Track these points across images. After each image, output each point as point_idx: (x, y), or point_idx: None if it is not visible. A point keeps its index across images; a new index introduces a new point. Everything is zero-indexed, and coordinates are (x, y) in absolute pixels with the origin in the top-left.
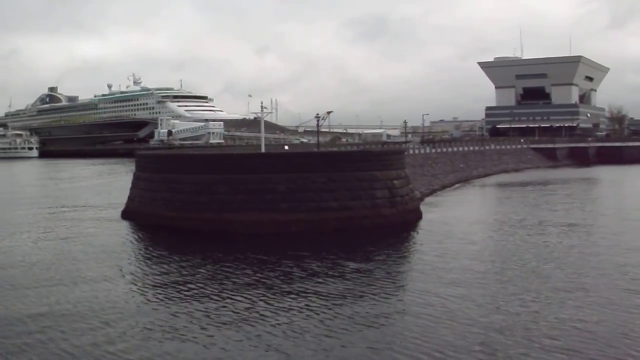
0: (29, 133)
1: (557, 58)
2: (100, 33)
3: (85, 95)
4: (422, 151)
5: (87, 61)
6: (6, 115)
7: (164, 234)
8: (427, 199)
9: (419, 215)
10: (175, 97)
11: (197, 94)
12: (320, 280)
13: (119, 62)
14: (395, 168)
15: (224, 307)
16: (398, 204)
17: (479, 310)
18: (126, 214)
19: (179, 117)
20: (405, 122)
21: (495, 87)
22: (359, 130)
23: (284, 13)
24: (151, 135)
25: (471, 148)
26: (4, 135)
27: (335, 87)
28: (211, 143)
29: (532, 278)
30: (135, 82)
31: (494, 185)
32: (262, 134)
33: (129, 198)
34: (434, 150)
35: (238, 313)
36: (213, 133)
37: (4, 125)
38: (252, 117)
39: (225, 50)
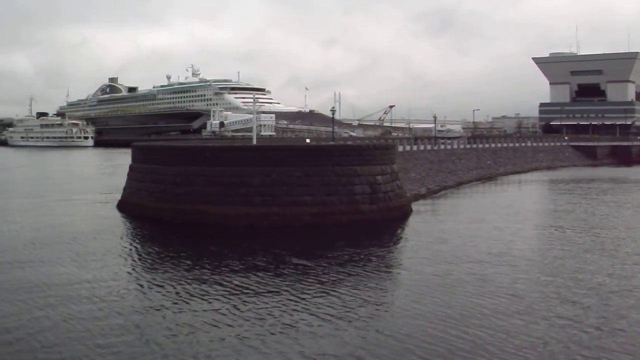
0: (85, 122)
1: (614, 54)
2: (166, 24)
3: (145, 86)
4: (447, 147)
5: (153, 52)
6: (68, 104)
7: (145, 224)
8: (431, 197)
9: (405, 213)
10: (233, 88)
11: (255, 86)
12: (247, 275)
13: (183, 54)
14: (379, 163)
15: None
16: (380, 200)
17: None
18: (120, 205)
19: (235, 108)
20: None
21: (550, 84)
22: (423, 125)
23: (350, 5)
24: (204, 126)
25: (505, 145)
26: (60, 125)
27: (400, 81)
28: (262, 135)
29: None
30: (194, 74)
31: (514, 183)
32: (254, 127)
33: (123, 189)
34: (462, 147)
35: (193, 312)
36: (264, 125)
37: (62, 115)
38: (307, 110)
39: (291, 42)
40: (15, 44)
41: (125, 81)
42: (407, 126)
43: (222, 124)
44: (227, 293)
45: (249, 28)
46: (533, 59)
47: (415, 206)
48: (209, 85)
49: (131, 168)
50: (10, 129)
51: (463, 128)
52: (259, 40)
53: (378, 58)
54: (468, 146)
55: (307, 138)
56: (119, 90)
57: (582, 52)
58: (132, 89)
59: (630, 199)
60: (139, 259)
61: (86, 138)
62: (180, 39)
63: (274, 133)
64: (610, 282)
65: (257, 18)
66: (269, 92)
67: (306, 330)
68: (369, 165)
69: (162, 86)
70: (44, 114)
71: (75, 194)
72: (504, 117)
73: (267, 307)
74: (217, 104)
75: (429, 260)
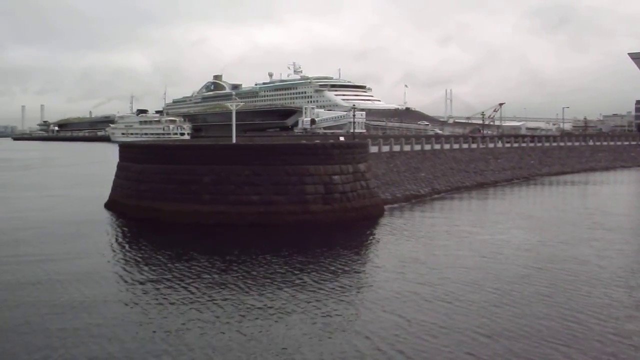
0: (182, 119)
1: None
2: (281, 22)
3: (249, 83)
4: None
5: (268, 49)
6: (174, 101)
7: (114, 220)
8: (429, 198)
9: (367, 215)
10: (333, 86)
11: (355, 83)
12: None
13: (298, 52)
14: (338, 163)
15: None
16: (336, 201)
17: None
18: (106, 203)
19: (335, 105)
20: (544, 114)
21: None
22: (513, 123)
23: (466, 2)
24: (297, 123)
25: (562, 144)
26: (158, 122)
27: (515, 78)
28: (349, 132)
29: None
30: (296, 71)
31: (544, 184)
32: (234, 125)
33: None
34: (508, 145)
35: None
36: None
37: (163, 112)
38: (403, 107)
39: (405, 40)
40: (134, 43)
41: (230, 78)
42: (494, 124)
43: (313, 121)
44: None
45: (363, 25)
46: (629, 54)
47: (399, 208)
48: (310, 82)
49: (117, 166)
50: (112, 125)
51: (573, 126)
52: (373, 37)
53: (493, 55)
54: (516, 145)
55: (341, 136)
56: (222, 88)
57: None
58: (235, 86)
59: None
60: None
61: (182, 134)
62: (296, 37)
63: (363, 130)
64: None
65: (371, 15)
66: (369, 89)
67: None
68: (324, 165)
69: (264, 83)
70: (144, 111)
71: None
72: (614, 115)
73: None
74: (317, 101)
75: (349, 266)
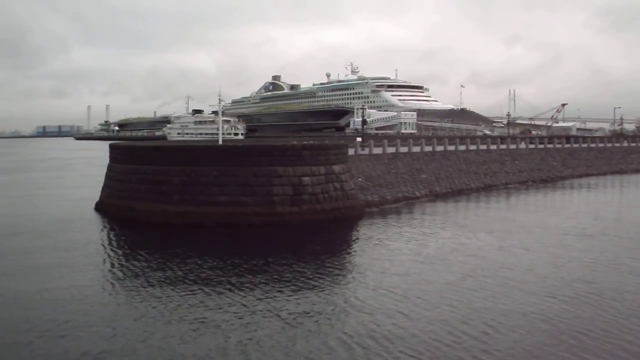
0: (237, 119)
1: None
2: (346, 22)
3: (307, 83)
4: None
5: (332, 50)
6: (233, 102)
7: (95, 220)
8: (424, 200)
9: (338, 217)
10: (390, 86)
11: (412, 84)
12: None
13: (361, 52)
14: (308, 164)
15: None
16: (304, 202)
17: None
18: (96, 205)
19: (392, 106)
20: (610, 115)
21: None
22: (565, 124)
23: (533, 1)
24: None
25: (593, 145)
26: (212, 122)
27: (581, 78)
28: (402, 133)
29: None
30: (353, 71)
31: (557, 188)
32: (220, 126)
33: None
34: (532, 146)
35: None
36: (405, 123)
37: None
38: (459, 108)
39: (471, 40)
40: (199, 44)
41: (288, 79)
42: (547, 124)
43: (364, 122)
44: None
45: (428, 25)
46: None
47: (381, 211)
48: (367, 82)
49: (107, 167)
50: (169, 125)
51: (637, 127)
52: (437, 37)
53: (560, 55)
54: (541, 146)
55: (358, 137)
56: (281, 88)
57: None
58: (293, 87)
59: None
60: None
61: (236, 135)
62: (359, 36)
63: (414, 131)
64: None
65: (436, 15)
66: (426, 89)
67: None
68: (294, 166)
69: (321, 84)
70: (199, 111)
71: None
72: None
73: None
74: (373, 101)
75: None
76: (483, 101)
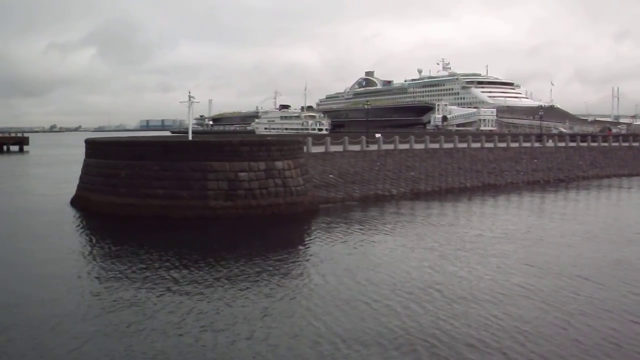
0: (322, 115)
1: None
2: (451, 17)
3: (402, 79)
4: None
5: (437, 45)
6: (327, 97)
7: (60, 212)
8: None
9: (275, 213)
10: (480, 82)
11: (503, 80)
12: None
13: (465, 48)
14: (247, 160)
15: None
16: (239, 198)
17: None
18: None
19: (482, 102)
20: None
21: None
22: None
23: None
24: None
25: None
26: (298, 117)
27: None
28: (481, 129)
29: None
30: (444, 67)
31: (569, 188)
32: (190, 122)
33: None
34: (562, 144)
35: None
36: (484, 120)
37: (303, 108)
38: (547, 105)
39: (578, 35)
40: (304, 39)
41: (385, 75)
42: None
43: (444, 118)
44: None
45: (533, 21)
46: None
47: (336, 208)
48: (457, 79)
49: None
50: (257, 120)
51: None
52: (543, 33)
53: None
54: (573, 144)
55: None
56: (373, 84)
57: None
58: (387, 82)
59: None
60: None
61: (320, 130)
62: (464, 31)
63: (494, 128)
64: None
65: (542, 11)
66: (517, 86)
67: None
68: (230, 162)
69: (413, 80)
70: (286, 107)
71: None
72: None
73: None
74: (463, 97)
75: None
76: (587, 98)
